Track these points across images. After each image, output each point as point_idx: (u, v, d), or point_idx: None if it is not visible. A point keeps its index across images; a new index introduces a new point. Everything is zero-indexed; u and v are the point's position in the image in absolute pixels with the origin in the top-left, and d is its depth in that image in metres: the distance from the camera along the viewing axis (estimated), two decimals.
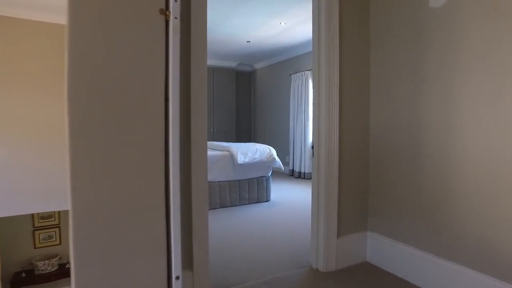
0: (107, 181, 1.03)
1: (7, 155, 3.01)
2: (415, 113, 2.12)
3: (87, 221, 1.00)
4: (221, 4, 4.28)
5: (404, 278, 2.17)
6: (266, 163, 4.42)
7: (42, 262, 3.15)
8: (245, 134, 8.57)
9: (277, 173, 6.87)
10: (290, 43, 6.25)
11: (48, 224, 3.33)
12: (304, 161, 6.37)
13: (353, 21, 2.37)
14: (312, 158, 2.38)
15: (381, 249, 2.36)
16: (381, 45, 2.36)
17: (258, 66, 8.30)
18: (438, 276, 1.96)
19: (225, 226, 3.41)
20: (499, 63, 1.67)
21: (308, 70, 6.29)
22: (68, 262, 2.75)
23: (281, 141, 7.38)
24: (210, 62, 7.69)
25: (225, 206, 4.21)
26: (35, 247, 3.27)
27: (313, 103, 2.36)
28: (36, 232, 3.28)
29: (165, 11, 1.16)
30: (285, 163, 7.03)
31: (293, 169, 6.72)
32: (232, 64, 8.04)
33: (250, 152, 4.25)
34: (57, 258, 3.27)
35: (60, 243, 3.38)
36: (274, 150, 4.55)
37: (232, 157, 4.18)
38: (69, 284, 0.99)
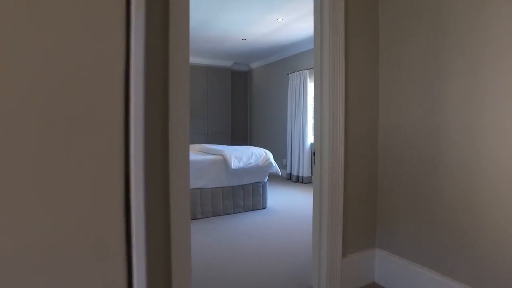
0: (32, 213, 0.73)
1: None
2: (432, 115, 1.84)
3: None
4: None
5: None
6: (262, 168, 4.12)
7: None
8: (241, 136, 8.27)
9: (274, 177, 6.58)
10: (288, 41, 5.97)
11: None
12: (302, 165, 6.08)
13: (360, 14, 2.08)
14: (313, 166, 2.09)
15: (391, 269, 2.07)
16: (392, 39, 2.07)
17: (254, 65, 8.01)
18: None
19: (217, 238, 3.11)
20: None
21: (307, 69, 6.01)
22: None
23: (278, 143, 7.09)
24: (205, 61, 7.39)
25: (218, 215, 3.91)
26: None
27: (314, 107, 2.07)
28: None
29: None
30: (283, 167, 6.74)
31: (291, 173, 6.43)
32: (227, 63, 7.75)
33: (245, 157, 3.96)
34: None
35: None
36: (271, 154, 4.25)
37: (225, 162, 3.89)
38: None
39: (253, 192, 4.16)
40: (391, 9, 2.08)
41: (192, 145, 5.16)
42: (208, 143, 7.34)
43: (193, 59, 7.19)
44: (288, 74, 6.56)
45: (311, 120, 6.03)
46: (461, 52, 1.68)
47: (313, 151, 2.06)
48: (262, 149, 4.25)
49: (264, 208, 4.23)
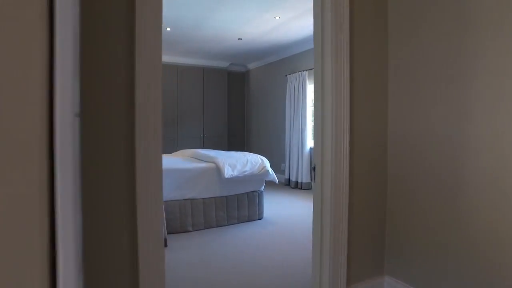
0: None
1: None
2: (451, 121, 1.58)
3: None
4: None
5: None
6: (258, 176, 3.85)
7: None
8: (238, 139, 8.00)
9: (271, 183, 6.29)
10: (286, 40, 5.70)
11: None
12: (301, 170, 5.81)
13: (366, 9, 1.82)
14: (313, 183, 1.82)
15: None
16: (403, 37, 1.81)
17: (251, 66, 7.74)
18: None
19: (207, 254, 2.84)
20: None
21: (306, 70, 5.75)
22: None
23: (276, 147, 6.82)
24: (200, 62, 7.12)
25: (210, 227, 3.63)
26: None
27: (314, 117, 1.81)
28: None
29: None
30: (281, 171, 6.47)
31: (289, 178, 6.16)
32: (223, 64, 7.48)
33: (239, 164, 3.68)
34: None
35: None
36: (268, 161, 3.97)
37: (218, 170, 3.62)
38: None
39: (249, 202, 3.89)
40: (403, 3, 1.81)
41: (184, 150, 4.89)
42: (203, 147, 7.06)
43: (188, 60, 6.92)
44: (286, 75, 6.29)
45: (310, 123, 5.76)
46: (486, 48, 1.41)
47: (313, 166, 1.80)
48: (258, 155, 3.98)
49: (260, 219, 3.96)
